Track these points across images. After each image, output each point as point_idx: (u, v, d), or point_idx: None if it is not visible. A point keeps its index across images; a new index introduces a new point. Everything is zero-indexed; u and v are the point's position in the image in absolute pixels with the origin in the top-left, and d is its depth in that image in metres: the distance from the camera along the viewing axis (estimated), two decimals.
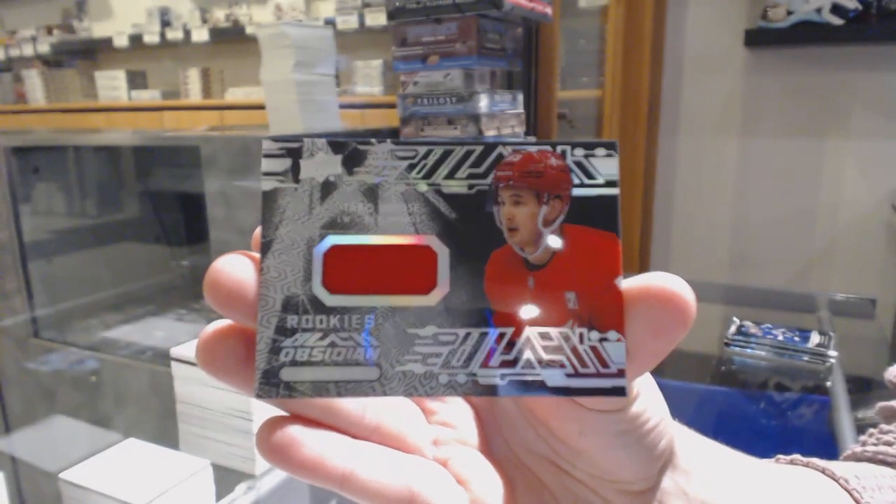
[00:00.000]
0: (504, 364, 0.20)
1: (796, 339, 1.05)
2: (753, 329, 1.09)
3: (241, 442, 0.71)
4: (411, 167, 0.21)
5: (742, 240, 2.14)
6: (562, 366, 0.20)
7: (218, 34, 3.52)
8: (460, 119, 1.09)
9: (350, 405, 0.22)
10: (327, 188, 0.21)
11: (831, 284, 2.04)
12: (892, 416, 0.41)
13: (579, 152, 0.21)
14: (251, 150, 0.94)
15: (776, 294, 1.40)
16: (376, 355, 0.20)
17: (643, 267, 2.18)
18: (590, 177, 0.21)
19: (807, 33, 1.84)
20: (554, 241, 0.20)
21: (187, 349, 0.73)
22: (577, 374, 0.20)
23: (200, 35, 3.54)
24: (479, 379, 0.20)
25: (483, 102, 1.08)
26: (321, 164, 0.21)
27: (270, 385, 0.20)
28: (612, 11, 1.93)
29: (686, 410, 0.93)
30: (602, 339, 0.20)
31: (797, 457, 0.36)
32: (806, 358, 1.00)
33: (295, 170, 0.21)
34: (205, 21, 3.63)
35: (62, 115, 4.07)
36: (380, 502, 0.21)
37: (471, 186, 0.21)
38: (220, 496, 0.65)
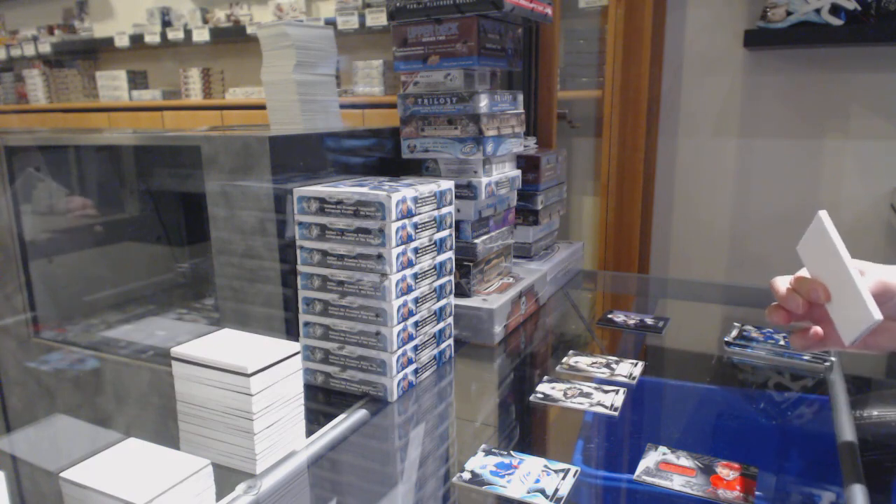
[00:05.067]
0: None
1: None
2: (755, 333, 1.09)
3: (241, 442, 0.71)
4: None
5: (741, 239, 2.14)
6: None
7: (219, 34, 3.52)
8: (460, 119, 1.09)
9: None
10: None
11: None
12: None
13: None
14: (252, 150, 0.94)
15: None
16: None
17: (643, 267, 2.18)
18: None
19: (806, 34, 1.84)
20: None
21: (188, 348, 0.73)
22: None
23: (201, 35, 3.55)
24: None
25: (483, 102, 1.08)
26: None
27: None
28: (612, 12, 1.93)
29: (686, 410, 0.93)
30: None
31: None
32: (806, 358, 1.00)
33: None
34: (205, 21, 3.63)
35: (63, 114, 4.07)
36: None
37: None
38: (220, 496, 0.65)
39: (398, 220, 0.85)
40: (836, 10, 1.79)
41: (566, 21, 2.35)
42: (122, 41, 3.78)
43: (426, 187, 0.92)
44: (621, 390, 0.90)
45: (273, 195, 0.94)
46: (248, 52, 3.62)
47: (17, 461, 1.18)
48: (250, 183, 0.95)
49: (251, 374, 0.69)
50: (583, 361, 1.01)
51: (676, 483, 0.69)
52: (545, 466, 0.72)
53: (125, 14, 3.99)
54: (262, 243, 0.96)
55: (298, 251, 0.91)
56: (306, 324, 0.93)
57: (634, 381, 0.94)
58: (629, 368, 0.98)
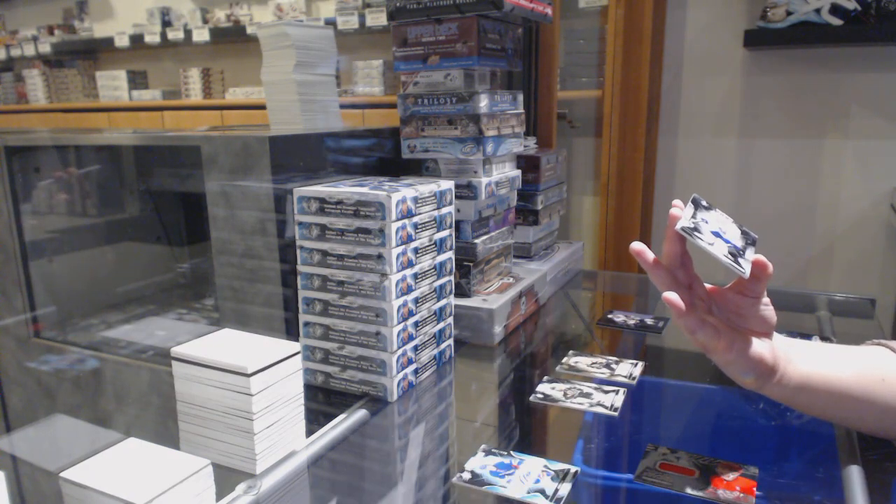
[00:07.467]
0: None
1: None
2: None
3: (241, 442, 0.71)
4: None
5: None
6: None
7: (219, 34, 3.52)
8: (460, 119, 1.09)
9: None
10: None
11: (831, 284, 2.04)
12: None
13: None
14: (252, 150, 0.94)
15: (776, 294, 1.39)
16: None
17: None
18: None
19: (806, 34, 1.85)
20: None
21: (188, 348, 0.73)
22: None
23: (201, 35, 3.55)
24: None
25: (483, 102, 1.08)
26: None
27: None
28: (612, 11, 1.93)
29: (686, 410, 0.93)
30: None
31: (870, 340, 0.72)
32: None
33: None
34: (205, 21, 3.63)
35: (63, 114, 4.07)
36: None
37: None
38: (220, 496, 0.65)
39: (398, 220, 0.85)
40: (836, 10, 1.79)
41: (566, 21, 2.35)
42: (122, 41, 3.78)
43: (426, 187, 0.92)
44: (621, 390, 0.90)
45: (273, 195, 0.94)
46: (248, 52, 3.62)
47: (17, 461, 1.18)
48: (250, 183, 0.95)
49: (251, 374, 0.69)
50: (583, 361, 1.01)
51: (676, 483, 0.69)
52: (545, 466, 0.72)
53: (125, 14, 3.99)
54: (262, 243, 0.96)
55: (298, 251, 0.91)
56: (306, 324, 0.93)
57: (634, 381, 0.94)
58: (629, 368, 0.98)
